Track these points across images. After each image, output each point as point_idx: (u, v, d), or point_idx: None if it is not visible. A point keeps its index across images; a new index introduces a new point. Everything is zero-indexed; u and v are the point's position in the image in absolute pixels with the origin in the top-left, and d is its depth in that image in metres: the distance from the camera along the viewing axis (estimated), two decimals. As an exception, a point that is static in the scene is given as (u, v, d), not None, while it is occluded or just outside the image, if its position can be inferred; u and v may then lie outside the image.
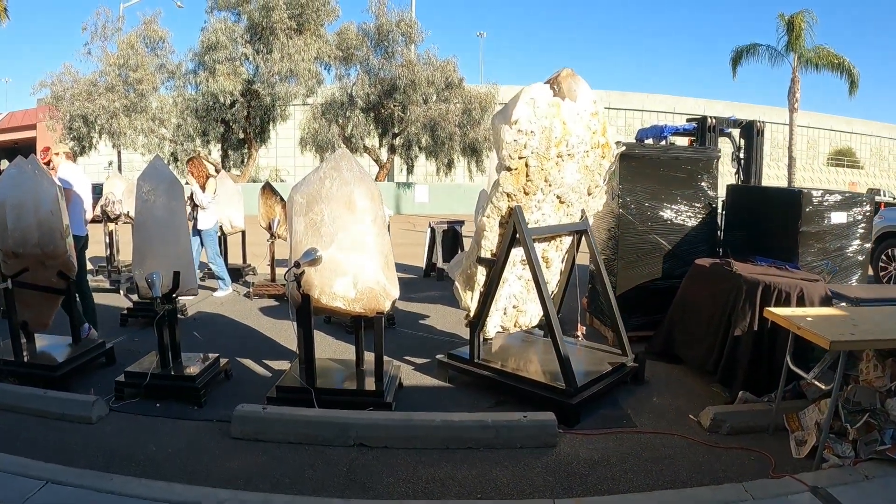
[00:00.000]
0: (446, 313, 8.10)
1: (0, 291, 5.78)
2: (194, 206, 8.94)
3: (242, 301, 9.28)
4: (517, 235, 5.02)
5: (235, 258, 11.36)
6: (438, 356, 5.83)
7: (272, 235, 9.34)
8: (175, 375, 5.32)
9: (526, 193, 5.01)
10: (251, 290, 9.39)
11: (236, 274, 10.72)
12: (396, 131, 28.87)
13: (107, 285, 10.10)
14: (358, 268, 4.75)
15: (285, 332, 7.30)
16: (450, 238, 11.21)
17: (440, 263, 10.99)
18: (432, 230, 11.29)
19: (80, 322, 6.24)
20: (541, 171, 4.92)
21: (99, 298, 9.57)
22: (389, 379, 5.19)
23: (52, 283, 5.95)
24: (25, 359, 5.87)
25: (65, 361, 5.82)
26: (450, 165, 29.80)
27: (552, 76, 5.02)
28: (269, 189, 9.46)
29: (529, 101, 4.66)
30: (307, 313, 4.87)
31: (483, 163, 29.39)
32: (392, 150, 29.84)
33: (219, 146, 29.71)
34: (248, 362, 6.33)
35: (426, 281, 11.15)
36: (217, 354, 5.77)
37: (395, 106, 28.01)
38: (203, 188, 8.96)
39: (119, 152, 30.06)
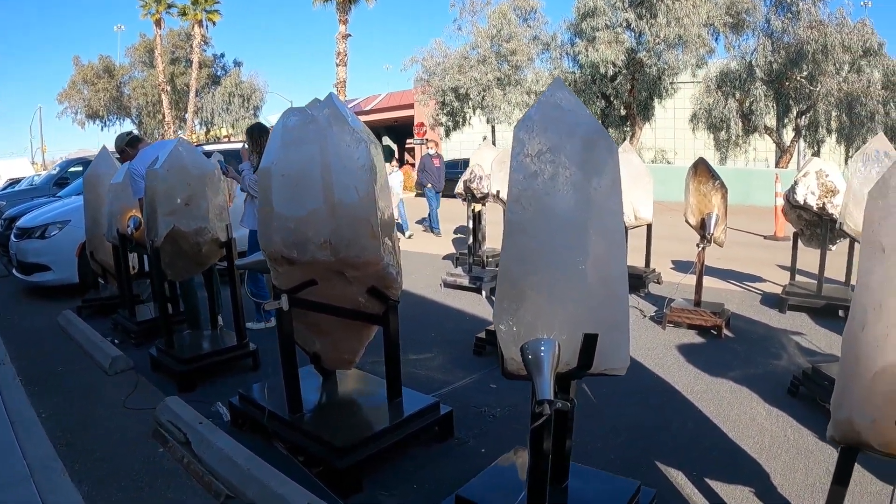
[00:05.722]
0: None
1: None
2: None
3: (648, 327, 6.43)
4: None
5: (637, 260, 8.30)
6: None
7: (704, 238, 6.13)
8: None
9: None
10: (665, 313, 6.39)
11: (637, 282, 7.81)
12: (803, 108, 23.75)
13: (465, 282, 8.04)
14: None
15: (741, 412, 4.42)
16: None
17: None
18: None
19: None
20: None
21: (457, 300, 7.69)
22: None
23: (360, 306, 3.56)
24: (303, 423, 3.75)
25: (368, 438, 3.53)
26: (864, 153, 23.79)
27: None
28: (704, 169, 6.17)
29: None
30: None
31: (912, 150, 23.00)
32: (797, 131, 24.69)
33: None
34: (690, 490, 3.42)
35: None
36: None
37: (801, 77, 22.93)
38: None
39: (493, 128, 29.18)
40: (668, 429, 4.12)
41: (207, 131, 44.08)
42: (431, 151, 14.37)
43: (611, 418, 4.21)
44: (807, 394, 4.52)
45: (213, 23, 39.60)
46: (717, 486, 3.39)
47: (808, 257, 7.55)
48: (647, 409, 4.45)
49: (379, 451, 3.52)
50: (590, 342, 2.28)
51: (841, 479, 2.34)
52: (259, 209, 3.59)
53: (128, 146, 6.46)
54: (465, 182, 8.36)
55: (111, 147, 7.94)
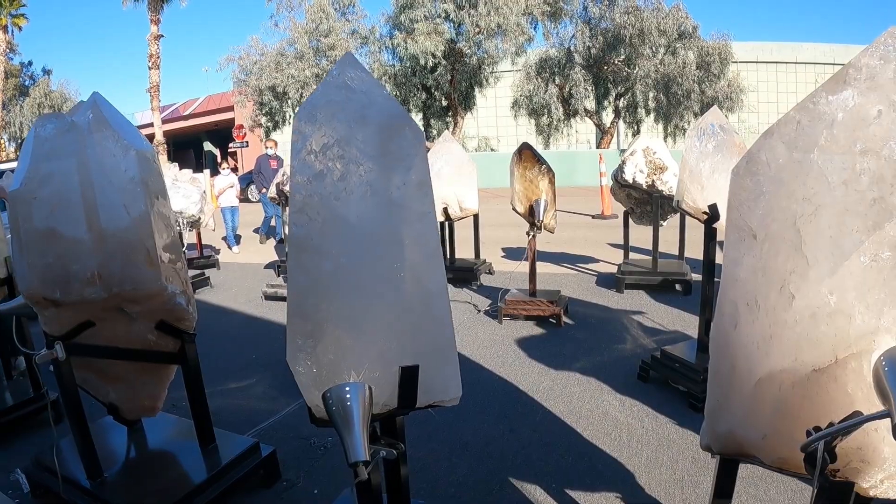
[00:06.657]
0: None
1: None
2: None
3: (484, 322, 6.10)
4: None
5: (466, 251, 8.16)
6: None
7: (534, 225, 5.87)
8: None
9: None
10: (500, 306, 6.09)
11: (468, 275, 7.55)
12: (622, 90, 24.73)
13: (285, 293, 7.44)
14: None
15: (593, 407, 4.16)
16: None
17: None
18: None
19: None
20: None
21: (280, 314, 7.01)
22: None
23: (151, 344, 2.99)
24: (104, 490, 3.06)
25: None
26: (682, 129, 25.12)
27: None
28: (529, 154, 5.89)
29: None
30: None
31: (725, 127, 24.33)
32: (617, 112, 25.71)
33: (420, 115, 27.10)
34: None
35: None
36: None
37: (619, 61, 23.89)
38: None
39: (313, 126, 28.24)
40: (518, 437, 3.80)
41: (18, 147, 40.81)
42: (270, 152, 12.45)
43: (453, 433, 3.84)
44: (658, 377, 4.38)
45: (20, 28, 35.95)
46: (581, 497, 3.10)
47: (639, 234, 7.56)
48: (492, 416, 4.10)
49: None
50: (409, 376, 1.84)
51: (723, 491, 2.04)
52: (13, 243, 2.91)
53: None
54: (277, 185, 7.76)
55: None
